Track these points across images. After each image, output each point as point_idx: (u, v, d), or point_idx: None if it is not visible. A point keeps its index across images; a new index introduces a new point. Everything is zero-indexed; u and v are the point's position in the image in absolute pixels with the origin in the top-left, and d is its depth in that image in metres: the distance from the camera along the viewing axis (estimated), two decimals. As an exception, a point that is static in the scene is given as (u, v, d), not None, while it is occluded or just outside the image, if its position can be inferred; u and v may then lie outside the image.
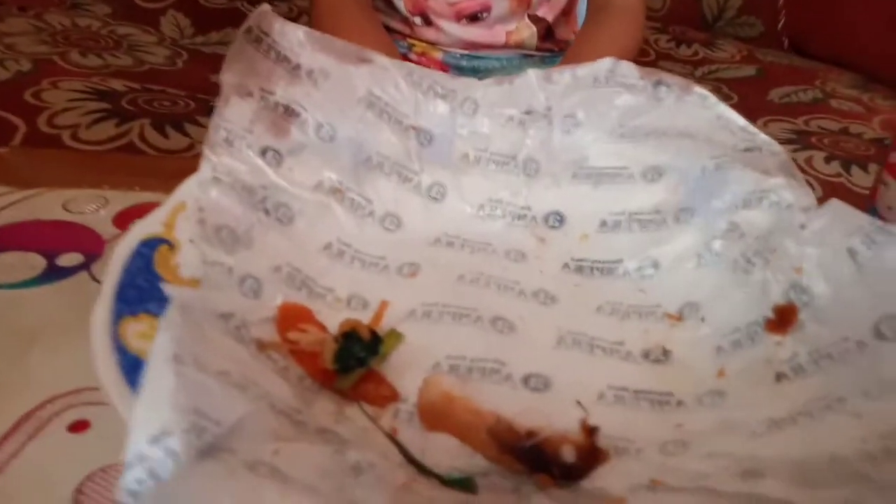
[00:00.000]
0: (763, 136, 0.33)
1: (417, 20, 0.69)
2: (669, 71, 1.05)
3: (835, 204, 0.26)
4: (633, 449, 0.22)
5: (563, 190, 0.34)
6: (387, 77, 0.34)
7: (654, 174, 0.33)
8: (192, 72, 0.81)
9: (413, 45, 0.71)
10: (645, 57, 1.00)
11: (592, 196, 0.34)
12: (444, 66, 0.71)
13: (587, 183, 0.34)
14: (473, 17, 0.68)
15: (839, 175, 0.67)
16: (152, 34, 0.88)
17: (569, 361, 0.26)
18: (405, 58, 0.71)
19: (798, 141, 0.73)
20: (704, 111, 0.35)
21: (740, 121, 0.34)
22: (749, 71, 0.95)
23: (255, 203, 0.28)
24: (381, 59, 0.34)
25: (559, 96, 0.35)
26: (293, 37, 0.33)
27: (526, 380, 0.25)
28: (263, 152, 0.30)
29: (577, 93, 0.35)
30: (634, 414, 0.23)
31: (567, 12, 0.73)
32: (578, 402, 0.22)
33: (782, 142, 0.76)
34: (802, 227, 0.26)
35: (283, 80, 0.32)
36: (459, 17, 0.68)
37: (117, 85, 0.69)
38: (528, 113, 0.35)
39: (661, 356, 0.26)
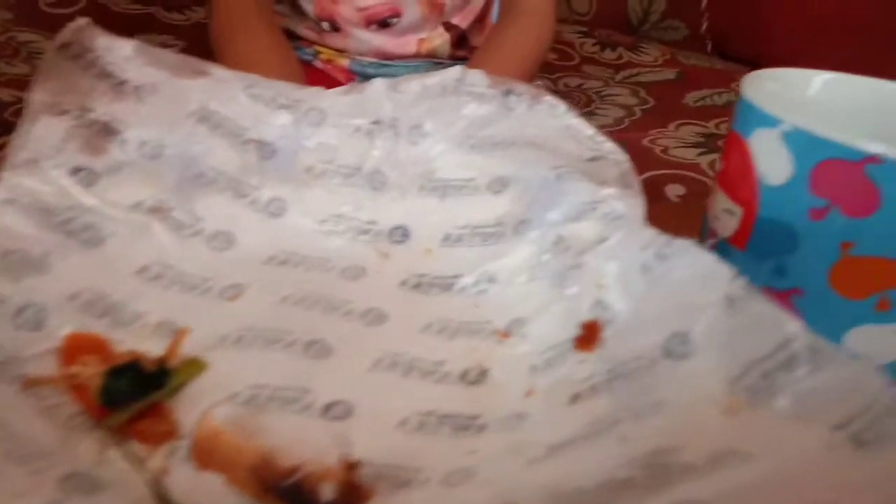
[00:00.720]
0: (608, 145, 0.33)
1: (326, 25, 0.68)
2: (590, 74, 1.06)
3: (633, 215, 0.26)
4: (419, 479, 0.21)
5: (410, 203, 0.33)
6: (224, 89, 0.32)
7: (499, 185, 0.33)
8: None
9: (319, 52, 0.70)
10: (569, 60, 1.00)
11: (438, 209, 0.33)
12: (351, 74, 0.70)
13: (434, 195, 0.33)
14: (383, 24, 0.67)
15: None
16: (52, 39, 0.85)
17: (380, 386, 0.25)
18: (310, 65, 0.69)
19: (705, 144, 0.74)
20: (554, 120, 0.34)
21: (588, 130, 0.34)
22: (669, 74, 0.96)
23: (57, 225, 0.26)
24: (220, 72, 0.33)
25: (406, 106, 0.34)
26: (120, 51, 0.32)
27: (328, 408, 0.24)
28: (74, 172, 0.28)
29: (425, 102, 0.34)
30: (432, 441, 0.22)
31: (481, 19, 0.73)
32: (341, 437, 0.21)
33: (690, 145, 0.77)
34: (603, 240, 0.25)
35: (105, 96, 0.30)
36: (369, 23, 0.67)
37: (5, 95, 0.66)
38: (375, 123, 0.34)
39: (478, 377, 0.26)
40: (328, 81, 0.69)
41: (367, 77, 0.70)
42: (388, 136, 0.34)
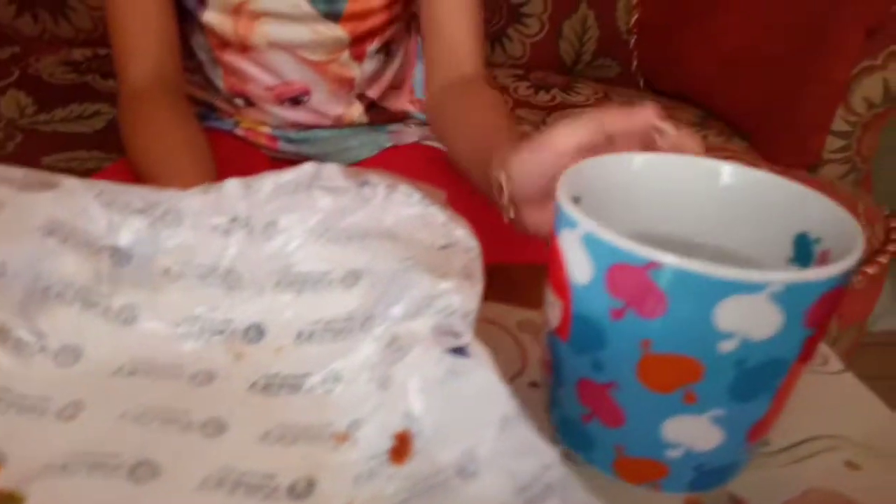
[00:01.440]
0: (459, 232, 0.34)
1: (239, 101, 0.68)
2: (522, 119, 1.09)
3: (467, 310, 0.26)
4: None
5: (265, 300, 0.33)
6: (73, 200, 0.33)
7: (352, 279, 0.33)
8: (22, 155, 0.78)
9: (239, 121, 0.70)
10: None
11: (293, 304, 0.33)
12: (273, 139, 0.70)
13: (290, 291, 0.34)
14: (295, 101, 0.68)
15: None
16: (-14, 116, 0.85)
17: (202, 507, 0.25)
18: (231, 135, 0.70)
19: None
20: (409, 209, 0.35)
21: (441, 217, 0.34)
22: (598, 114, 0.98)
23: None
24: (69, 183, 0.33)
25: (261, 203, 0.34)
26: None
27: (142, 537, 0.24)
28: None
29: (279, 199, 0.34)
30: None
31: (397, 86, 0.72)
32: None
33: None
34: (400, 349, 0.26)
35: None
36: (280, 101, 0.67)
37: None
38: (232, 221, 0.34)
39: (305, 489, 0.26)
40: (250, 150, 0.69)
41: (290, 141, 0.71)
42: (243, 233, 0.34)
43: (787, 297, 0.24)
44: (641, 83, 1.12)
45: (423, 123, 0.74)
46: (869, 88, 0.75)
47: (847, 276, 0.26)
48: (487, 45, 1.13)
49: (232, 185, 0.35)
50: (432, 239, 0.34)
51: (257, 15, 0.62)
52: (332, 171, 0.35)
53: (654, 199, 0.33)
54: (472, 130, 0.56)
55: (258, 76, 0.66)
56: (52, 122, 0.86)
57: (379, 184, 0.35)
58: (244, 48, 0.64)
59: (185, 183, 0.54)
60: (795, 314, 0.25)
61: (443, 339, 0.27)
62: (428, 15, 0.63)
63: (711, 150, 0.86)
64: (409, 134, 0.71)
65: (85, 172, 0.76)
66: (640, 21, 1.09)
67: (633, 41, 1.10)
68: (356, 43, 0.65)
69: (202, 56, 0.67)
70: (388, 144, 0.70)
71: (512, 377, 0.36)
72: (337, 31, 0.64)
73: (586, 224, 0.26)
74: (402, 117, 0.73)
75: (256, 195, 0.34)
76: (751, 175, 0.32)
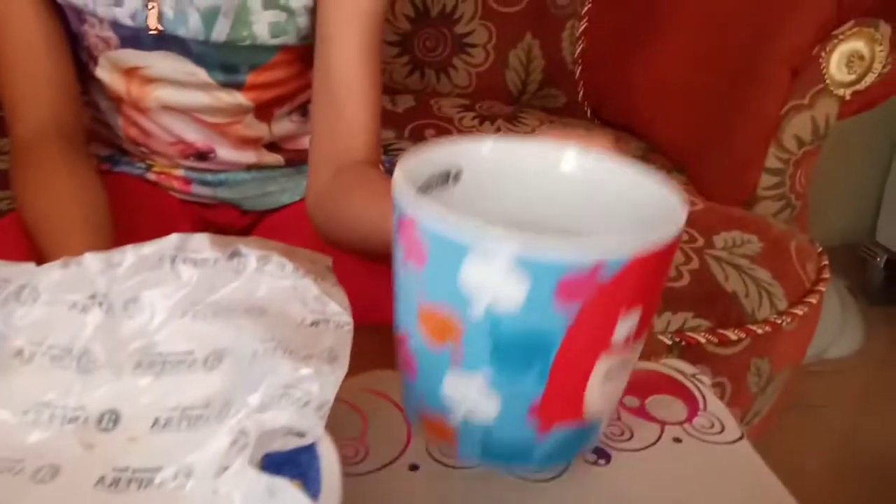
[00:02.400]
0: (333, 307, 0.32)
1: (144, 149, 0.65)
2: None
3: (323, 399, 0.25)
4: None
5: (123, 384, 0.31)
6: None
7: (215, 360, 0.31)
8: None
9: (151, 164, 0.67)
10: (445, 137, 1.01)
11: (153, 388, 0.31)
12: (187, 183, 0.67)
13: (150, 373, 0.31)
14: (200, 156, 0.64)
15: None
16: None
17: None
18: (141, 179, 0.67)
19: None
20: (283, 280, 0.33)
21: (314, 290, 0.33)
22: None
23: None
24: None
25: (121, 279, 0.32)
26: None
27: None
28: None
29: (142, 273, 0.32)
30: None
31: (298, 136, 0.67)
32: None
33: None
34: (243, 447, 0.24)
35: None
36: (185, 156, 0.64)
37: None
38: (91, 297, 0.32)
39: None
40: (162, 195, 0.66)
41: (206, 185, 0.67)
42: (101, 311, 0.32)
43: (530, 266, 0.25)
44: (588, 113, 1.12)
45: None
46: (798, 127, 0.75)
47: (613, 266, 0.25)
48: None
49: (91, 259, 0.33)
50: (303, 314, 0.32)
51: (151, 79, 0.59)
52: (199, 242, 0.33)
53: (502, 182, 0.34)
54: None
55: (157, 133, 0.62)
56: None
57: (250, 254, 0.33)
58: (138, 108, 0.61)
59: (74, 241, 0.52)
60: (544, 287, 0.25)
61: (289, 440, 0.26)
62: (324, 88, 0.55)
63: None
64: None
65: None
66: (585, 52, 1.09)
67: (578, 71, 1.10)
68: (262, 108, 0.61)
69: (102, 103, 0.64)
70: (311, 190, 0.68)
71: (393, 459, 0.34)
72: (239, 99, 0.60)
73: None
74: (306, 157, 0.70)
75: (117, 269, 0.32)
76: (593, 160, 0.33)
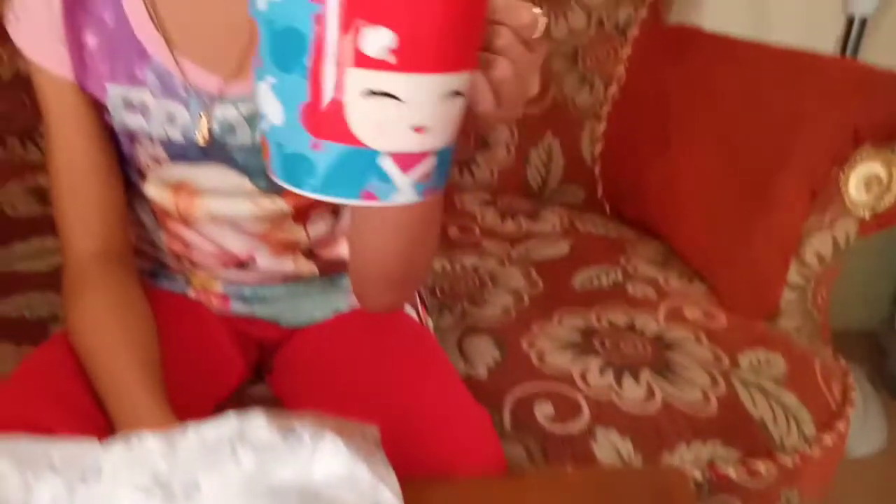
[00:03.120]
0: (385, 495, 0.33)
1: (186, 262, 0.67)
2: (488, 252, 1.08)
3: None
4: None
5: (181, 571, 0.32)
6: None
7: (271, 549, 0.32)
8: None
9: (190, 280, 0.69)
10: (469, 235, 1.03)
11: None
12: (225, 300, 0.69)
13: (207, 562, 0.32)
14: (241, 265, 0.66)
15: (609, 388, 0.69)
16: (-56, 255, 0.85)
17: None
18: (183, 297, 0.69)
19: (580, 346, 0.75)
20: (337, 466, 0.34)
21: (367, 477, 0.34)
22: (563, 248, 0.99)
23: None
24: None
25: (182, 462, 0.33)
26: None
27: None
28: None
29: (202, 457, 0.34)
30: None
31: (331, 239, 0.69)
32: None
33: (567, 346, 0.78)
34: None
35: None
36: (227, 266, 0.66)
37: None
38: (153, 481, 0.33)
39: None
40: (202, 311, 0.68)
41: (244, 301, 0.69)
42: (162, 496, 0.33)
43: None
44: (607, 209, 1.14)
45: None
46: (819, 245, 0.77)
47: None
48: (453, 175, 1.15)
49: (153, 440, 0.34)
50: (354, 498, 0.33)
51: (198, 192, 0.62)
52: (256, 423, 0.34)
53: None
54: None
55: (201, 245, 0.65)
56: (10, 259, 0.85)
57: (305, 432, 0.35)
58: (185, 220, 0.63)
59: (123, 379, 0.54)
60: None
61: None
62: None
63: (673, 295, 0.87)
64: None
65: (37, 322, 0.75)
66: (604, 152, 1.12)
67: (597, 170, 1.13)
68: (300, 212, 0.64)
69: (146, 220, 0.67)
70: (344, 307, 0.69)
71: None
72: (279, 204, 0.63)
73: None
74: (345, 268, 0.71)
75: (178, 452, 0.34)
76: None
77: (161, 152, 0.60)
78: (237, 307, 0.69)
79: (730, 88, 0.93)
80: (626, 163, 1.09)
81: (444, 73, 0.31)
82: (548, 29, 1.11)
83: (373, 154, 0.31)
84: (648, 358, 0.73)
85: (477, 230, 1.04)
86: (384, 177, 0.32)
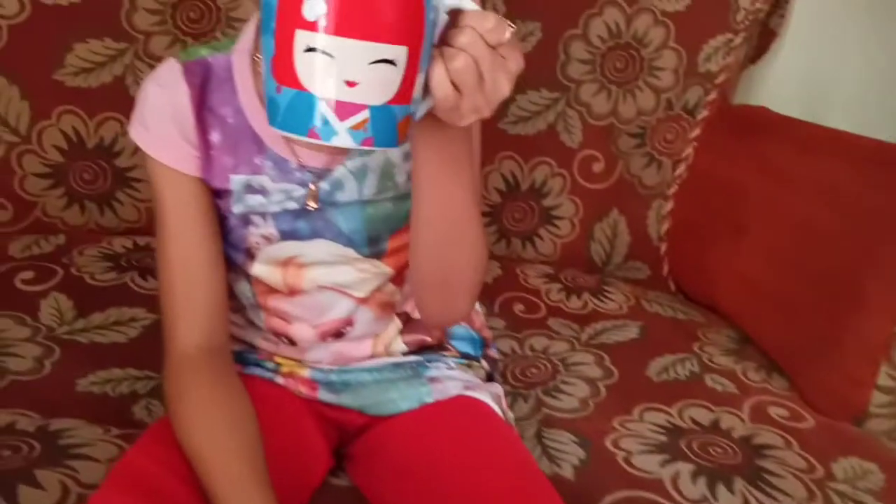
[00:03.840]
0: None
1: (283, 338, 0.69)
2: (556, 333, 1.06)
3: None
4: None
5: None
6: None
7: None
8: (58, 376, 0.78)
9: (280, 364, 0.70)
10: (535, 312, 1.02)
11: None
12: (313, 384, 0.70)
13: None
14: (338, 334, 0.68)
15: (704, 499, 0.66)
16: (27, 325, 0.86)
17: None
18: (271, 383, 0.69)
19: (668, 447, 0.73)
20: None
21: None
22: (632, 331, 0.97)
23: None
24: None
25: None
26: None
27: None
28: None
29: None
30: None
31: None
32: None
33: (653, 447, 0.76)
34: None
35: None
36: (324, 337, 0.68)
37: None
38: None
39: None
40: (289, 399, 0.69)
41: (330, 385, 0.70)
42: None
43: None
44: (672, 287, 1.13)
45: (459, 354, 0.74)
46: (913, 348, 0.75)
47: None
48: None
49: None
50: None
51: (306, 264, 0.64)
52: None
53: None
54: None
55: (304, 316, 0.67)
56: (89, 330, 0.86)
57: None
58: (292, 292, 0.66)
59: (239, 488, 0.54)
60: None
61: None
62: None
63: (754, 391, 0.85)
64: (451, 382, 0.70)
65: (120, 400, 0.75)
66: (671, 231, 1.11)
67: (663, 248, 1.12)
68: (399, 273, 0.67)
69: (244, 301, 0.68)
70: (430, 399, 0.69)
71: None
72: (381, 268, 0.66)
73: None
74: (437, 343, 0.73)
75: None
76: None
77: (273, 231, 0.63)
78: (325, 395, 0.70)
79: (807, 177, 0.93)
80: (694, 243, 1.08)
81: (367, 41, 0.39)
82: (615, 107, 1.12)
83: (314, 98, 0.40)
84: (740, 464, 0.71)
85: (543, 308, 1.03)
86: (325, 120, 0.40)
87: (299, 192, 0.62)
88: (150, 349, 0.86)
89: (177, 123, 0.59)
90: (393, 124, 0.42)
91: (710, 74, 1.10)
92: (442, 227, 0.57)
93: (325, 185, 0.61)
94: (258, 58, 0.60)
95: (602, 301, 1.05)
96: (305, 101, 0.40)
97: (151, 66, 1.03)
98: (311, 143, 0.42)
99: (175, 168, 0.60)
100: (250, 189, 0.62)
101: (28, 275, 0.92)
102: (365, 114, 0.40)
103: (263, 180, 0.61)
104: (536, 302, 1.04)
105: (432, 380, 0.71)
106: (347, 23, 0.38)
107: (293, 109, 0.40)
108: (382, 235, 0.65)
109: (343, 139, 0.40)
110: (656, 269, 1.14)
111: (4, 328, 0.84)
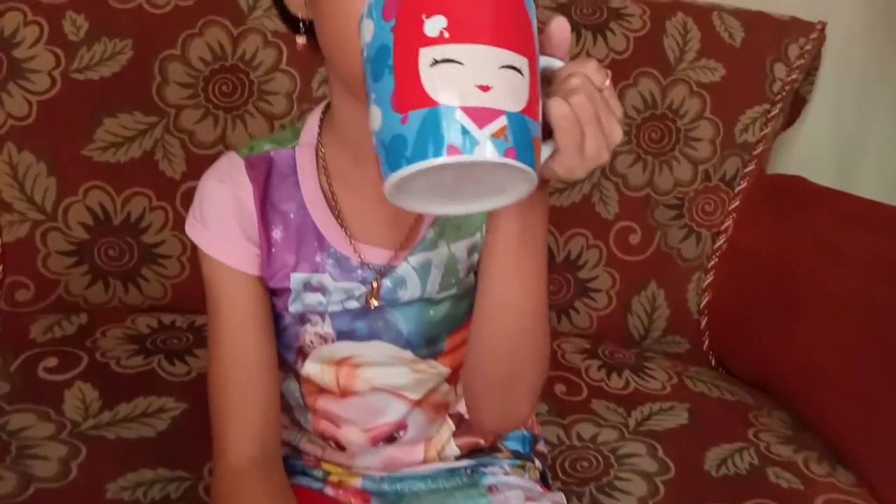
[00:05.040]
0: None
1: (331, 443, 0.65)
2: (602, 419, 1.03)
3: None
4: None
5: None
6: None
7: None
8: (85, 482, 0.73)
9: (329, 472, 0.66)
10: (577, 394, 0.98)
11: None
12: (365, 494, 0.65)
13: None
14: (390, 439, 0.64)
15: None
16: (51, 420, 0.81)
17: None
18: (320, 494, 0.65)
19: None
20: None
21: None
22: (681, 415, 0.93)
23: None
24: None
25: None
26: None
27: None
28: None
29: None
30: None
31: None
32: None
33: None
34: None
35: None
36: (376, 442, 0.64)
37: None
38: None
39: None
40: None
41: (382, 495, 0.66)
42: None
43: (369, 13, 0.40)
44: (713, 362, 1.09)
45: (511, 454, 0.70)
46: None
47: None
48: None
49: None
50: None
51: (360, 364, 0.61)
52: None
53: None
54: None
55: (355, 418, 0.63)
56: (115, 424, 0.82)
57: None
58: (344, 394, 0.62)
59: None
60: (378, 18, 0.39)
61: None
62: None
63: (821, 486, 0.80)
64: (511, 492, 0.66)
65: (153, 507, 0.71)
66: (711, 304, 1.08)
67: (704, 322, 1.09)
68: (455, 372, 0.64)
69: (291, 401, 0.65)
70: (485, 510, 0.65)
71: None
72: (438, 368, 0.63)
73: None
74: (490, 445, 0.69)
75: None
76: None
77: (330, 330, 0.60)
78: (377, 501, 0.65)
79: (862, 254, 0.90)
80: (737, 317, 1.05)
81: (493, 46, 0.38)
82: (651, 178, 1.10)
83: (449, 110, 0.37)
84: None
85: (584, 388, 0.99)
86: (463, 130, 0.37)
87: (360, 290, 0.59)
88: (180, 443, 0.82)
89: (239, 222, 0.57)
90: (529, 139, 0.39)
91: (747, 145, 1.09)
92: (514, 320, 0.52)
93: (387, 283, 0.58)
94: (322, 151, 0.58)
95: (644, 379, 1.01)
96: (439, 115, 0.37)
97: (181, 140, 1.03)
98: (450, 162, 0.37)
99: (234, 267, 0.57)
100: (309, 287, 0.59)
101: (52, 362, 0.88)
102: (503, 120, 0.38)
103: (324, 279, 0.58)
104: (577, 381, 1.00)
105: (491, 489, 0.66)
106: (472, 29, 0.38)
107: (425, 131, 0.37)
108: (441, 335, 0.62)
109: (485, 148, 0.37)
110: (696, 343, 1.10)
111: (28, 425, 0.79)
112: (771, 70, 1.09)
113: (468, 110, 0.37)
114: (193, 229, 0.58)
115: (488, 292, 0.52)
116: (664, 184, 1.09)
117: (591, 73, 0.41)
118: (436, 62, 0.37)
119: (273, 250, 0.57)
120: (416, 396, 0.63)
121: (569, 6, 1.09)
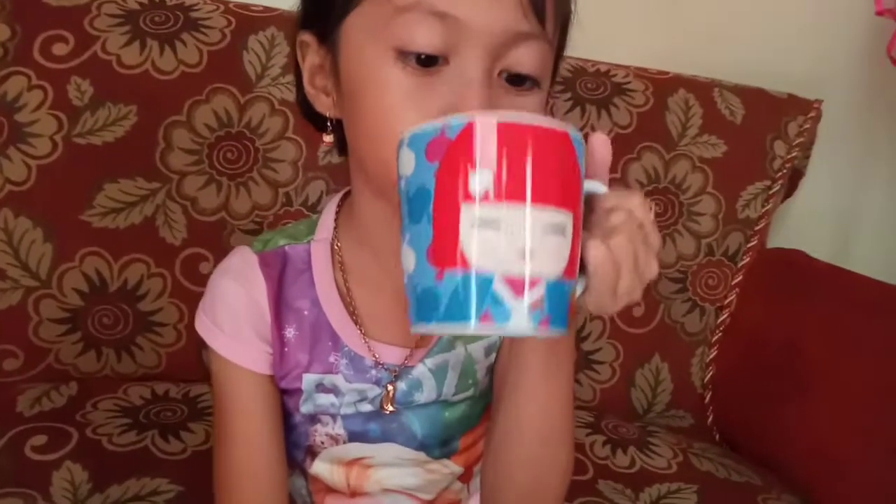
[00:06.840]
0: None
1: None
2: (609, 500, 0.99)
3: None
4: None
5: None
6: None
7: None
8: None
9: None
10: (583, 473, 0.96)
11: None
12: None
13: None
14: None
15: None
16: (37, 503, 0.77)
17: None
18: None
19: None
20: None
21: None
22: (690, 498, 0.91)
23: None
24: None
25: None
26: None
27: None
28: None
29: None
30: None
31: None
32: None
33: None
34: None
35: None
36: None
37: None
38: None
39: None
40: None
41: None
42: None
43: (412, 143, 0.38)
44: (717, 437, 1.08)
45: None
46: None
47: (454, 128, 0.36)
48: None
49: None
50: None
51: (372, 465, 0.59)
52: None
53: None
54: None
55: None
56: (106, 508, 0.78)
57: None
58: (354, 494, 0.60)
59: None
60: (420, 153, 0.37)
61: None
62: None
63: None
64: None
65: None
66: (715, 379, 1.08)
67: (708, 397, 1.08)
68: (468, 470, 0.62)
69: (297, 498, 0.63)
70: None
71: None
72: (451, 467, 0.61)
73: None
74: None
75: None
76: None
77: (342, 432, 0.58)
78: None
79: (875, 336, 0.90)
80: (742, 394, 1.04)
81: (538, 206, 0.36)
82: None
83: (487, 278, 0.36)
84: None
85: (590, 467, 0.97)
86: (498, 299, 0.36)
87: (374, 392, 0.57)
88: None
89: (251, 322, 0.55)
90: (566, 301, 0.38)
91: (749, 221, 1.10)
92: (541, 430, 0.52)
93: (402, 386, 0.57)
94: (338, 246, 0.57)
95: (649, 456, 1.00)
96: (476, 282, 0.36)
97: (183, 206, 1.01)
98: (481, 332, 0.36)
99: (245, 367, 0.55)
100: (322, 388, 0.57)
101: (40, 440, 0.84)
102: (541, 288, 0.36)
103: (337, 379, 0.56)
104: (582, 460, 0.98)
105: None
106: (518, 188, 0.36)
107: (460, 295, 0.36)
108: (455, 436, 0.60)
109: (520, 321, 0.36)
110: (700, 417, 1.09)
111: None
112: (771, 147, 1.11)
113: (506, 279, 0.35)
114: (206, 330, 0.56)
115: (516, 406, 0.51)
116: (667, 257, 1.09)
117: (636, 207, 0.40)
118: (477, 222, 0.35)
119: (286, 349, 0.56)
120: (428, 497, 0.61)
121: (573, 81, 1.10)
